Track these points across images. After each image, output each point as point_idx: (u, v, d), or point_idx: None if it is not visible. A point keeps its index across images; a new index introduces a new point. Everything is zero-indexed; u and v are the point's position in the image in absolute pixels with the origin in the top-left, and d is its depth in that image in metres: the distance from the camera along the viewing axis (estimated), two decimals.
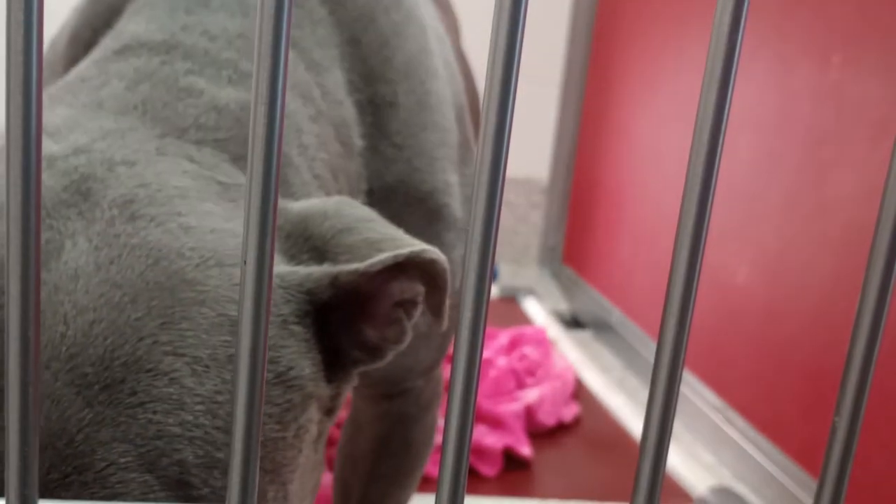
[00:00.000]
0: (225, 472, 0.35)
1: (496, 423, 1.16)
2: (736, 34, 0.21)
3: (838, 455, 0.24)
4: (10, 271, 0.21)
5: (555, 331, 1.61)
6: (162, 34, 0.49)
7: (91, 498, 0.32)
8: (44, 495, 0.32)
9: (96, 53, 0.51)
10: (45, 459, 0.32)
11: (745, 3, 0.21)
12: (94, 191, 0.39)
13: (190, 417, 0.34)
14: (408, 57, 0.59)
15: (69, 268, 0.36)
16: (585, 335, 1.73)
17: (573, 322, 1.81)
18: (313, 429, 0.41)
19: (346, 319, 0.42)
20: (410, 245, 0.41)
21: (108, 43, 0.51)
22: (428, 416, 0.72)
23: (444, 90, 0.61)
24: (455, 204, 0.59)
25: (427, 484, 1.03)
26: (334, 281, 0.39)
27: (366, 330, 0.43)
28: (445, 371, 1.26)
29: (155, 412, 0.34)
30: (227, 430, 0.35)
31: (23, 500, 0.22)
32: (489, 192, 0.21)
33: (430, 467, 1.06)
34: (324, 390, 0.41)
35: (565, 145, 2.05)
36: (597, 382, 1.41)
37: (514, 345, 1.41)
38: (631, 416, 1.30)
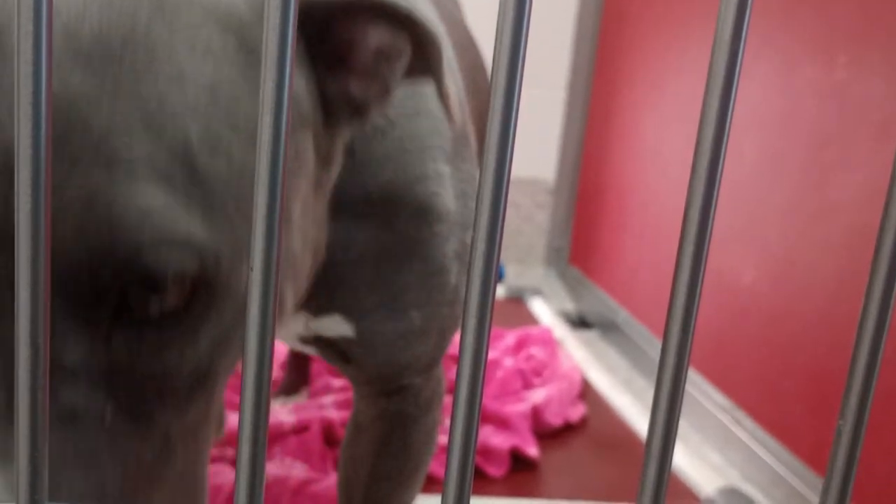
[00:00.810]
0: (228, 158, 0.35)
1: (503, 423, 1.16)
2: (739, 37, 0.21)
3: (843, 458, 0.24)
4: (20, 270, 0.21)
5: (561, 331, 1.61)
6: None
7: (95, 156, 0.31)
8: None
9: None
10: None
11: (748, 7, 0.21)
12: None
13: (191, 95, 0.34)
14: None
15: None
16: (592, 335, 1.73)
17: (579, 322, 1.81)
18: (310, 160, 0.41)
19: (331, 66, 0.42)
20: None
21: None
22: (428, 417, 0.71)
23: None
24: (446, 194, 0.59)
25: (433, 484, 1.03)
26: (328, 4, 0.40)
27: (350, 81, 0.43)
28: (451, 372, 1.26)
29: (156, 84, 0.33)
30: (228, 112, 0.35)
31: (33, 502, 0.22)
32: (494, 192, 0.22)
33: (436, 468, 1.07)
34: (319, 124, 0.42)
35: (571, 146, 2.05)
36: (603, 382, 1.41)
37: (520, 345, 1.41)
38: (637, 416, 1.30)
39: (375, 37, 0.42)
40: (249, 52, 0.37)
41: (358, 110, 0.44)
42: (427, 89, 0.58)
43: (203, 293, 0.34)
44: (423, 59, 0.44)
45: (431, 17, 0.61)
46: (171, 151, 0.33)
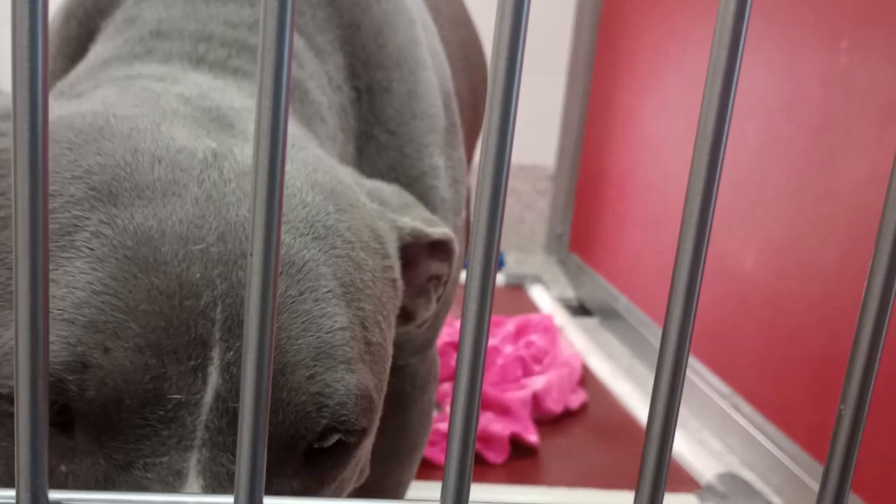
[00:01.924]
0: (382, 333, 0.43)
1: (503, 410, 1.16)
2: (741, 21, 0.21)
3: (844, 442, 0.24)
4: (18, 265, 0.21)
5: (561, 318, 1.61)
6: (193, 23, 0.54)
7: (321, 315, 0.38)
8: None
9: (117, 35, 0.55)
10: (280, 283, 0.38)
11: None
12: (235, 125, 0.45)
13: (366, 279, 0.42)
14: (399, 47, 0.62)
15: (246, 162, 0.41)
16: (592, 322, 1.73)
17: (580, 309, 1.81)
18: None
19: None
20: (450, 233, 0.50)
21: (127, 28, 0.55)
22: (424, 397, 0.72)
23: (432, 79, 0.64)
24: (441, 185, 0.63)
25: (434, 471, 1.03)
26: (413, 230, 0.48)
27: (403, 299, 0.50)
28: (451, 360, 1.27)
29: (348, 266, 0.41)
30: (380, 300, 0.44)
31: (33, 490, 0.22)
32: (494, 180, 0.21)
33: (436, 454, 1.07)
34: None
35: (572, 133, 2.05)
36: (603, 369, 1.41)
37: (520, 332, 1.41)
38: (638, 403, 1.30)
39: (434, 266, 0.51)
40: (383, 256, 0.45)
41: (405, 317, 0.51)
42: (420, 88, 0.61)
43: (358, 438, 0.41)
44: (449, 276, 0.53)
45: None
46: (356, 321, 0.40)
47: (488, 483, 1.05)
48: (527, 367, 1.29)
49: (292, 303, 0.38)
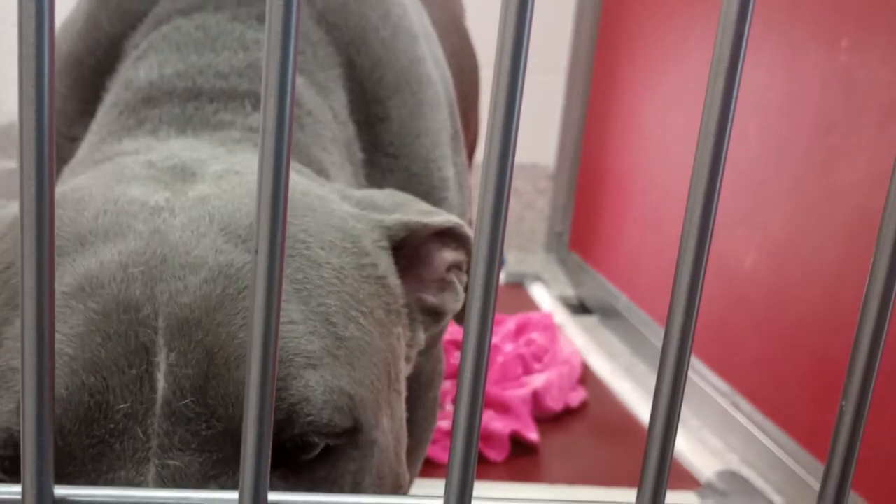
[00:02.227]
0: (357, 326, 0.41)
1: (503, 408, 1.16)
2: (744, 20, 0.21)
3: (845, 439, 0.24)
4: (24, 266, 0.21)
5: (561, 316, 1.61)
6: (183, 82, 0.56)
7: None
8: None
9: (115, 104, 0.57)
10: (219, 283, 0.38)
11: None
12: (196, 172, 0.46)
13: (326, 276, 0.41)
14: (399, 72, 0.63)
15: (198, 195, 0.42)
16: (592, 321, 1.73)
17: (580, 308, 1.81)
18: (402, 349, 0.47)
19: (408, 284, 0.48)
20: (455, 217, 0.49)
21: (124, 94, 0.57)
22: (429, 394, 0.72)
23: (437, 94, 0.65)
24: (451, 195, 0.64)
25: (436, 469, 1.03)
26: (406, 224, 0.47)
27: (425, 297, 0.49)
28: (453, 358, 1.27)
29: (300, 264, 0.40)
30: (354, 297, 0.42)
31: (39, 486, 0.22)
32: (497, 181, 0.22)
33: (439, 452, 1.07)
34: (405, 324, 0.48)
35: (572, 132, 2.05)
36: (604, 368, 1.41)
37: (521, 330, 1.41)
38: (638, 402, 1.30)
39: (450, 255, 0.50)
40: (358, 253, 0.44)
41: (434, 316, 0.51)
42: (424, 108, 0.62)
43: (349, 436, 0.39)
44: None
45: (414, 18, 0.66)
46: (318, 316, 0.39)
47: (489, 481, 1.05)
48: (527, 366, 1.29)
49: (229, 301, 0.37)
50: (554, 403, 1.22)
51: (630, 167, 1.72)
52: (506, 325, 1.41)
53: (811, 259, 1.11)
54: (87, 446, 0.35)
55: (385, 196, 0.51)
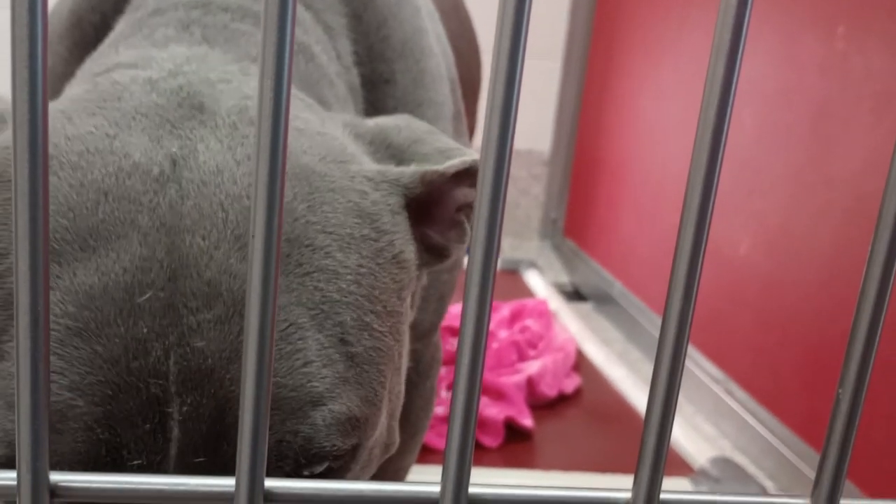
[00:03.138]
0: (371, 338, 0.40)
1: (498, 394, 1.16)
2: (745, 5, 0.21)
3: (841, 426, 0.24)
4: (18, 247, 0.21)
5: (556, 303, 1.61)
6: None
7: (279, 357, 0.36)
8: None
9: (126, 22, 0.54)
10: (235, 325, 0.35)
11: None
12: (206, 104, 0.41)
13: (344, 285, 0.39)
14: (404, 38, 0.61)
15: (210, 165, 0.38)
16: (587, 307, 1.73)
17: (574, 294, 1.81)
18: (410, 317, 0.46)
19: (417, 222, 0.46)
20: (471, 154, 0.47)
21: (135, 14, 0.54)
22: (427, 382, 0.72)
23: (439, 66, 0.64)
24: None
25: (431, 455, 1.03)
26: (423, 178, 0.44)
27: (430, 234, 0.48)
28: (449, 345, 1.27)
29: (318, 281, 0.38)
30: (370, 297, 0.40)
31: (34, 472, 0.22)
32: (496, 165, 0.21)
33: (433, 438, 1.07)
34: (414, 285, 0.46)
35: (567, 118, 2.04)
36: (598, 354, 1.41)
37: (515, 317, 1.41)
38: (632, 388, 1.30)
39: (461, 194, 0.48)
40: (377, 238, 0.42)
41: (437, 254, 0.49)
42: (426, 77, 0.60)
43: (350, 453, 0.39)
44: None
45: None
46: (332, 340, 0.38)
47: (484, 467, 1.06)
48: (522, 352, 1.29)
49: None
50: (548, 390, 1.23)
51: (626, 154, 1.71)
52: (501, 312, 1.42)
53: (806, 246, 1.11)
54: None
55: (399, 130, 0.48)
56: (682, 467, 1.11)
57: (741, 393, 1.23)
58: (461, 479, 0.23)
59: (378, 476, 0.74)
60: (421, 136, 0.48)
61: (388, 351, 0.42)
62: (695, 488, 1.05)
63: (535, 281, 1.76)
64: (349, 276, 0.39)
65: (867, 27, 1.02)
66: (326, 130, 0.44)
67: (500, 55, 0.21)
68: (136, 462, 0.34)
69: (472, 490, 0.23)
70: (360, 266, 0.40)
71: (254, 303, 0.21)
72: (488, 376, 1.19)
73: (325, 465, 0.38)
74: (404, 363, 0.47)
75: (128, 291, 0.35)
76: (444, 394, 1.16)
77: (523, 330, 1.35)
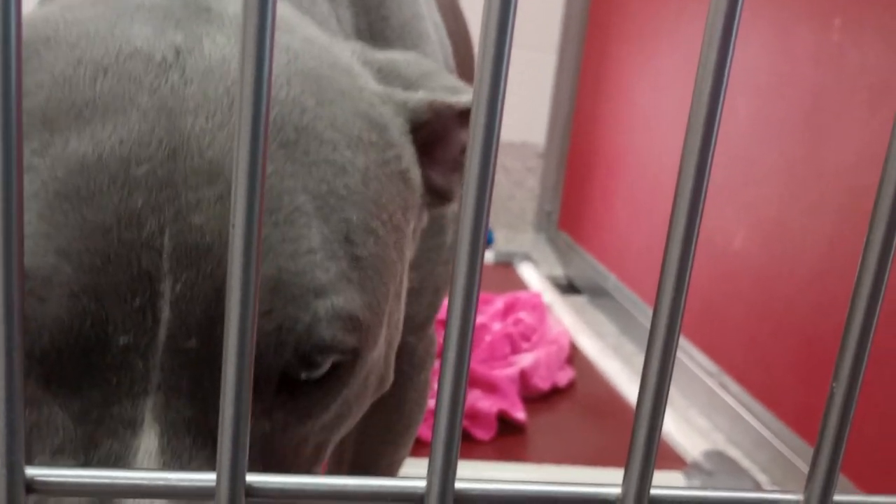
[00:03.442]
0: (375, 240, 0.38)
1: (491, 387, 1.16)
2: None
3: (835, 420, 0.23)
4: None
5: (550, 296, 1.61)
6: None
7: (282, 239, 0.34)
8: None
9: None
10: None
11: None
12: (212, 7, 0.39)
13: (351, 183, 0.37)
14: (403, 20, 0.60)
15: (215, 56, 0.36)
16: (581, 300, 1.73)
17: (569, 287, 1.81)
18: (413, 245, 0.45)
19: (420, 162, 0.45)
20: None
21: None
22: (421, 376, 0.72)
23: (436, 53, 0.63)
24: None
25: (421, 447, 1.03)
26: (431, 105, 0.43)
27: (433, 176, 0.46)
28: (439, 336, 1.26)
29: (325, 173, 0.36)
30: (377, 202, 0.38)
31: (10, 466, 0.21)
32: (482, 156, 0.21)
33: (423, 430, 1.07)
34: (417, 215, 0.45)
35: (562, 110, 2.04)
36: (592, 347, 1.41)
37: (509, 310, 1.41)
38: (625, 381, 1.30)
39: (467, 136, 0.45)
40: (385, 148, 0.40)
41: (441, 197, 0.47)
42: (425, 47, 0.60)
43: (349, 361, 0.37)
44: None
45: None
46: (337, 235, 0.36)
47: (476, 460, 1.05)
48: (515, 345, 1.29)
49: None
50: (542, 383, 1.23)
51: (620, 146, 1.71)
52: (494, 305, 1.41)
53: (800, 239, 1.11)
54: (83, 375, 0.33)
55: (408, 63, 0.46)
56: (676, 461, 1.11)
57: (735, 386, 1.23)
58: (447, 474, 0.22)
59: (371, 468, 0.74)
60: (431, 71, 0.46)
61: (391, 265, 0.40)
62: (688, 482, 1.05)
63: (529, 273, 1.75)
64: (356, 176, 0.38)
65: (864, 20, 1.02)
66: (334, 49, 0.43)
67: (486, 44, 0.20)
68: (122, 339, 0.32)
69: (458, 485, 0.23)
70: (368, 169, 0.38)
71: (241, 183, 0.21)
72: (481, 369, 1.18)
73: (323, 367, 0.36)
74: (403, 295, 0.45)
75: (123, 163, 0.33)
76: (436, 385, 1.16)
77: (517, 322, 1.35)
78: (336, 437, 0.42)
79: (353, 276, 0.36)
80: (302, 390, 0.36)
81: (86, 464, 0.33)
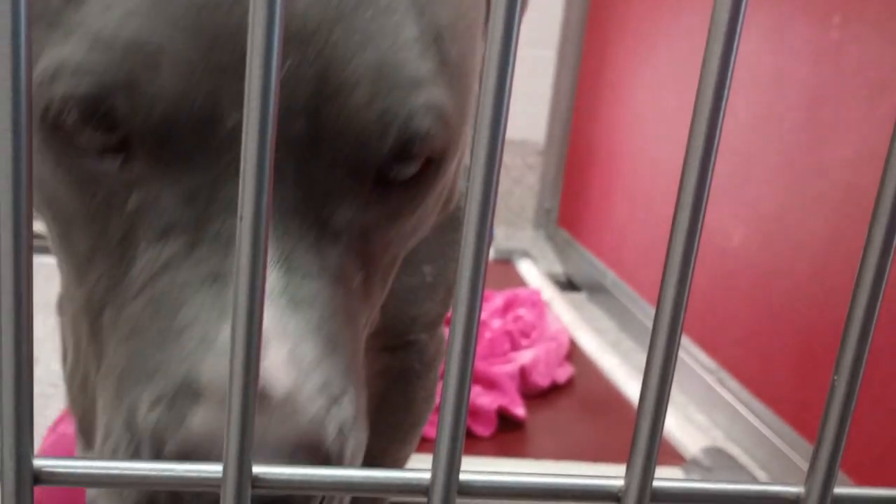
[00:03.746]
0: (460, 45, 0.38)
1: (490, 383, 1.16)
2: None
3: (837, 414, 0.24)
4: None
5: (549, 293, 1.61)
6: None
7: (382, 31, 0.34)
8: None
9: None
10: None
11: None
12: None
13: None
14: None
15: None
16: (580, 297, 1.73)
17: (568, 284, 1.81)
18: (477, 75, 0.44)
19: None
20: None
21: None
22: (431, 374, 0.72)
23: None
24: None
25: (425, 444, 1.03)
26: None
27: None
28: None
29: None
30: (462, 7, 0.38)
31: (18, 458, 0.22)
32: (488, 155, 0.21)
33: (428, 428, 1.07)
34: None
35: (562, 107, 2.04)
36: (591, 344, 1.41)
37: (508, 306, 1.41)
38: (625, 378, 1.30)
39: None
40: None
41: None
42: None
43: (436, 161, 0.38)
44: None
45: None
46: (431, 34, 0.36)
47: (476, 456, 1.06)
48: (514, 342, 1.29)
49: (349, 13, 0.33)
50: (541, 379, 1.23)
51: (620, 144, 1.71)
52: (494, 301, 1.41)
53: (799, 235, 1.11)
54: (193, 153, 0.32)
55: None
56: (674, 457, 1.11)
57: (734, 383, 1.23)
58: (452, 466, 0.22)
59: (377, 465, 0.74)
60: None
61: (472, 74, 0.40)
62: (687, 478, 1.06)
63: (528, 270, 1.75)
64: None
65: (863, 17, 1.02)
66: None
67: (493, 42, 0.20)
68: (232, 117, 0.32)
69: (462, 477, 0.23)
70: None
71: None
72: (481, 365, 1.19)
73: (414, 165, 0.36)
74: (471, 119, 0.46)
75: None
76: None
77: (516, 319, 1.35)
78: (402, 253, 0.42)
79: (442, 78, 0.36)
80: (392, 190, 0.37)
81: (193, 245, 0.33)
